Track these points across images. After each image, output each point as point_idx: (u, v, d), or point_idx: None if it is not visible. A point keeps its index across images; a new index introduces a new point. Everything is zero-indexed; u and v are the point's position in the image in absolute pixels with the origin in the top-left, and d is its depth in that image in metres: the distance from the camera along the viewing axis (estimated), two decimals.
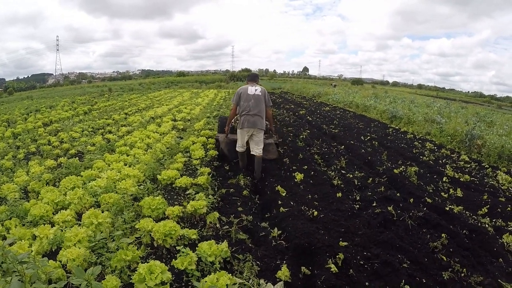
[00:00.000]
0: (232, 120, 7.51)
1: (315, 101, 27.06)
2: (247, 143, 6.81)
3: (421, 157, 8.90)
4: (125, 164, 7.13)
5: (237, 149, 6.92)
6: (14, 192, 5.80)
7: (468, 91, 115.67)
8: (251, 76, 7.24)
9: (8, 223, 4.46)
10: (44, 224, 4.24)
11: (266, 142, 7.14)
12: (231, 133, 7.67)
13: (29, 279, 2.54)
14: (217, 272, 3.23)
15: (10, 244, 3.43)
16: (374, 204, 5.29)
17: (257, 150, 6.64)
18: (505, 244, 4.49)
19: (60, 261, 3.40)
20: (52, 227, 4.19)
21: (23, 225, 4.55)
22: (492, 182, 7.11)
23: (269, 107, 6.80)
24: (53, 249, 3.89)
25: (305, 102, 24.94)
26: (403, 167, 7.55)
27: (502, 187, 6.84)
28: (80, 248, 3.54)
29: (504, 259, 4.07)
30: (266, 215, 5.14)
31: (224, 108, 17.25)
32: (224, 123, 7.94)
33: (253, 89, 6.67)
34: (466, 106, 25.40)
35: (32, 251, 3.62)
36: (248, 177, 6.60)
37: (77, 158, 7.93)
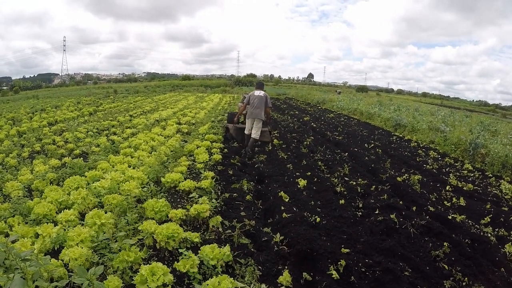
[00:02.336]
0: (238, 115, 10.56)
1: (319, 107, 27.10)
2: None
3: (425, 165, 8.90)
4: (129, 166, 7.15)
5: (245, 131, 9.67)
6: (18, 190, 5.82)
7: (473, 100, 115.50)
8: (258, 84, 10.03)
9: (11, 221, 4.47)
10: (47, 223, 4.26)
11: (262, 130, 9.67)
12: (237, 123, 10.73)
13: (31, 276, 2.55)
14: (219, 275, 3.23)
15: (13, 242, 3.43)
16: (377, 212, 5.28)
17: (254, 133, 9.25)
18: (507, 253, 4.48)
19: (62, 260, 3.41)
20: (55, 226, 4.21)
21: (26, 223, 4.56)
22: (496, 192, 7.10)
23: (268, 107, 9.54)
24: (56, 248, 3.90)
25: (309, 109, 24.96)
26: (406, 175, 7.54)
27: (506, 197, 6.82)
28: (82, 247, 3.56)
29: (506, 268, 4.07)
30: (269, 221, 5.13)
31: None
32: (232, 116, 11.08)
33: (258, 92, 9.46)
34: (470, 115, 25.38)
35: (34, 249, 3.63)
36: (252, 182, 6.61)
37: (81, 158, 7.94)
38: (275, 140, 10.57)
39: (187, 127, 12.86)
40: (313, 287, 3.49)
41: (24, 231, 4.02)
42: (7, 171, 7.34)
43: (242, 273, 3.50)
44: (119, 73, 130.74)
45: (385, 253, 4.10)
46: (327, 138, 12.44)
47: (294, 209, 5.28)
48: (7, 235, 4.08)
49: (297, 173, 7.23)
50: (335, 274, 3.51)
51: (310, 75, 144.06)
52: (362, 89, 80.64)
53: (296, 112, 21.30)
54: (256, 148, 9.67)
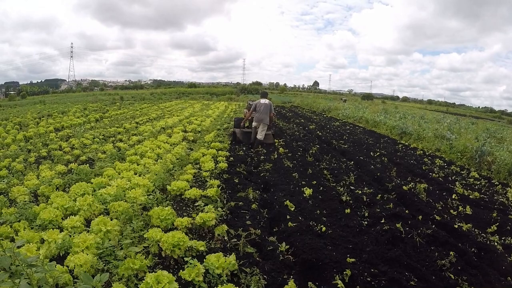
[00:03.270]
0: (244, 121, 12.27)
1: (325, 115, 27.07)
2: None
3: (431, 173, 8.85)
4: (135, 173, 7.18)
5: (257, 136, 10.99)
6: (24, 195, 5.85)
7: (479, 106, 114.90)
8: (263, 93, 11.88)
9: (17, 226, 4.50)
10: (53, 229, 4.29)
11: (266, 133, 11.37)
12: (243, 128, 12.22)
13: (36, 282, 2.56)
14: (224, 284, 3.24)
15: (19, 247, 3.46)
16: (383, 221, 5.26)
17: (259, 136, 10.99)
18: None
19: (68, 266, 3.43)
20: (60, 232, 4.24)
21: (32, 228, 4.60)
22: (502, 199, 7.05)
23: (272, 113, 11.15)
24: (61, 254, 3.93)
25: (315, 117, 24.92)
26: (412, 183, 7.50)
27: None
28: (88, 254, 3.58)
29: None
30: (274, 229, 5.12)
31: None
32: (239, 121, 12.80)
33: (264, 100, 11.06)
34: (476, 122, 25.30)
35: (40, 254, 3.65)
36: (257, 191, 6.60)
37: (87, 165, 7.98)
38: (280, 149, 10.58)
39: (193, 135, 12.92)
40: None
41: (29, 236, 4.05)
42: (13, 176, 7.38)
43: (248, 282, 3.50)
44: (126, 80, 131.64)
45: (390, 263, 4.07)
46: (333, 146, 12.40)
47: (300, 218, 5.26)
48: (12, 240, 4.11)
49: (303, 182, 7.21)
50: (340, 284, 3.49)
51: (316, 83, 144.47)
52: (368, 97, 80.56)
53: (302, 121, 21.28)
54: (262, 157, 9.73)
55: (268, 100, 11.17)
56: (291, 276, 3.67)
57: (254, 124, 11.19)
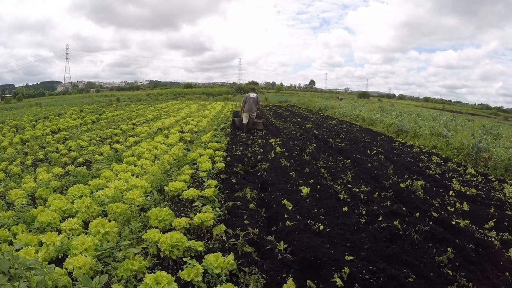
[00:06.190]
0: (240, 111, 15.29)
1: (321, 114, 27.05)
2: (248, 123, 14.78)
3: (428, 170, 8.87)
4: (133, 175, 7.17)
5: (243, 122, 14.66)
6: (22, 198, 5.84)
7: (475, 103, 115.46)
8: (251, 89, 16.00)
9: (15, 229, 4.49)
10: (51, 231, 4.27)
11: (257, 121, 15.51)
12: (239, 117, 15.46)
13: (35, 285, 2.56)
14: (223, 284, 3.25)
15: (17, 250, 3.46)
16: (380, 219, 5.27)
17: (251, 119, 14.61)
18: None
19: (67, 269, 3.43)
20: (59, 234, 4.23)
21: (30, 231, 4.58)
22: (499, 196, 7.07)
23: (260, 105, 15.31)
24: (60, 257, 3.92)
25: (311, 116, 24.92)
26: (409, 181, 7.53)
27: (509, 200, 6.79)
28: (86, 256, 3.58)
29: (510, 273, 4.03)
30: (272, 229, 5.12)
31: (231, 121, 17.39)
32: (236, 112, 16.52)
33: (252, 95, 14.77)
34: (472, 119, 25.35)
35: (38, 257, 3.64)
36: (255, 190, 6.61)
37: (84, 166, 7.97)
38: (277, 148, 10.60)
39: (190, 136, 12.90)
40: None
41: (28, 240, 4.04)
42: (10, 179, 7.35)
43: (246, 281, 3.50)
44: (122, 81, 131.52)
45: (389, 260, 4.09)
46: (330, 145, 12.42)
47: (298, 217, 5.27)
48: (11, 243, 4.10)
49: (300, 181, 7.22)
50: (339, 282, 3.51)
51: (312, 82, 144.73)
52: (364, 95, 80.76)
53: (298, 120, 21.26)
54: (259, 156, 9.80)
55: (255, 94, 15.01)
56: (290, 275, 3.68)
57: (244, 115, 14.58)
